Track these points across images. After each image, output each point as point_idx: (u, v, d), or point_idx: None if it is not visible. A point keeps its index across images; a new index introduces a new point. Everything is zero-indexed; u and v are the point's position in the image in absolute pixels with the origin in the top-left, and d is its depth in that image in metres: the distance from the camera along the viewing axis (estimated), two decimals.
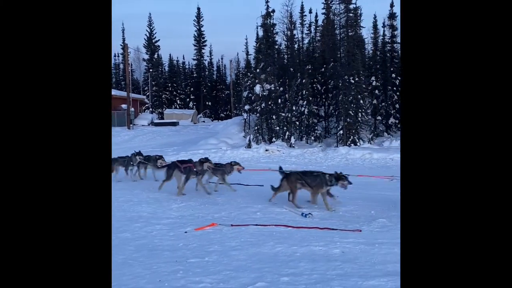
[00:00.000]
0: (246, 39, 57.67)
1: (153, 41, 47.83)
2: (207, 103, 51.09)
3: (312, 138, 18.23)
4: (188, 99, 49.62)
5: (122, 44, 45.61)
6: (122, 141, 22.05)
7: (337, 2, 18.99)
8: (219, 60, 55.36)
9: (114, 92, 34.56)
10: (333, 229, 5.13)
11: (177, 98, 49.33)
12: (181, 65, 53.52)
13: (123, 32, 48.15)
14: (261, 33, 18.94)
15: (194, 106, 48.26)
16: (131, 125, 28.92)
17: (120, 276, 3.66)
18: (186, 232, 5.15)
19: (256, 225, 5.39)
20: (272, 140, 17.37)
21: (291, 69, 18.71)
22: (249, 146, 16.35)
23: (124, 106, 30.94)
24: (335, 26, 20.33)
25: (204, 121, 43.03)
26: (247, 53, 46.09)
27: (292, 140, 17.08)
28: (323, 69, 20.48)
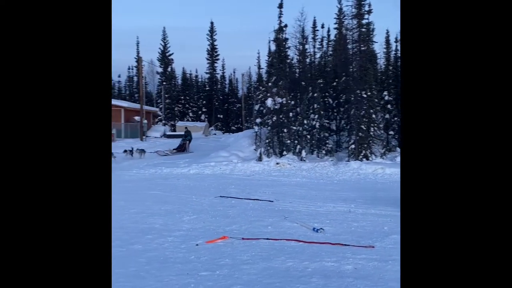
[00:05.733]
0: (258, 53, 58.16)
1: (167, 54, 48.53)
2: (218, 116, 51.41)
3: (323, 152, 18.15)
4: (200, 112, 50.01)
5: (137, 57, 46.37)
6: None
7: (349, 17, 19.08)
8: (231, 74, 55.88)
9: (127, 104, 35.04)
10: (345, 244, 5.08)
11: (189, 110, 49.75)
12: (194, 78, 54.15)
13: (137, 45, 48.94)
14: (273, 48, 19.09)
15: (206, 119, 48.59)
16: (144, 137, 29.19)
17: None
18: (197, 244, 5.14)
19: (267, 239, 5.35)
20: (283, 154, 17.34)
21: (303, 83, 18.76)
22: (260, 159, 16.35)
23: (137, 118, 31.31)
24: (347, 40, 20.37)
25: (215, 134, 43.22)
26: (259, 67, 46.42)
27: (303, 153, 17.03)
28: (335, 83, 20.50)
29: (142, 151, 19.00)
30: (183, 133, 34.86)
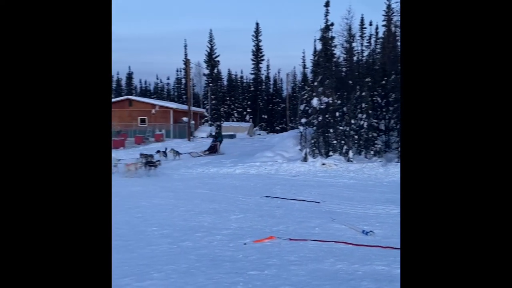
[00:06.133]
0: (303, 53, 57.74)
1: (213, 56, 49.49)
2: (263, 116, 51.69)
3: (372, 152, 17.65)
4: (245, 112, 50.56)
5: (184, 60, 47.70)
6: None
7: (398, 14, 18.44)
8: (276, 74, 56.19)
9: (176, 105, 36.18)
10: (396, 248, 4.90)
11: (235, 111, 50.45)
12: (239, 79, 54.84)
13: (185, 48, 50.32)
14: (319, 47, 18.87)
15: (251, 119, 49.00)
16: (191, 137, 29.99)
17: (184, 285, 3.77)
18: (245, 243, 5.19)
19: (315, 240, 5.30)
20: (329, 154, 17.08)
21: (350, 82, 18.39)
22: (305, 159, 16.21)
23: (185, 119, 32.22)
24: (397, 38, 19.71)
25: (259, 134, 43.46)
26: (304, 67, 46.18)
27: (350, 154, 16.66)
28: (384, 82, 19.88)
29: (177, 152, 18.62)
30: (229, 133, 35.48)
